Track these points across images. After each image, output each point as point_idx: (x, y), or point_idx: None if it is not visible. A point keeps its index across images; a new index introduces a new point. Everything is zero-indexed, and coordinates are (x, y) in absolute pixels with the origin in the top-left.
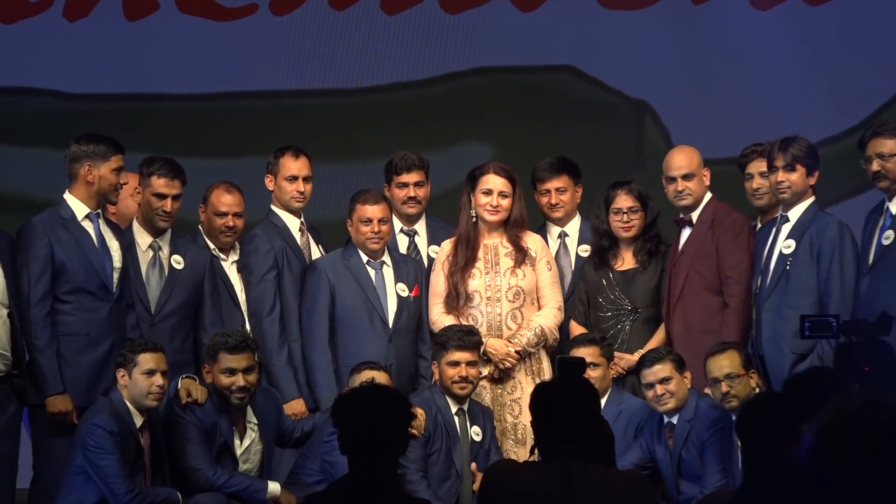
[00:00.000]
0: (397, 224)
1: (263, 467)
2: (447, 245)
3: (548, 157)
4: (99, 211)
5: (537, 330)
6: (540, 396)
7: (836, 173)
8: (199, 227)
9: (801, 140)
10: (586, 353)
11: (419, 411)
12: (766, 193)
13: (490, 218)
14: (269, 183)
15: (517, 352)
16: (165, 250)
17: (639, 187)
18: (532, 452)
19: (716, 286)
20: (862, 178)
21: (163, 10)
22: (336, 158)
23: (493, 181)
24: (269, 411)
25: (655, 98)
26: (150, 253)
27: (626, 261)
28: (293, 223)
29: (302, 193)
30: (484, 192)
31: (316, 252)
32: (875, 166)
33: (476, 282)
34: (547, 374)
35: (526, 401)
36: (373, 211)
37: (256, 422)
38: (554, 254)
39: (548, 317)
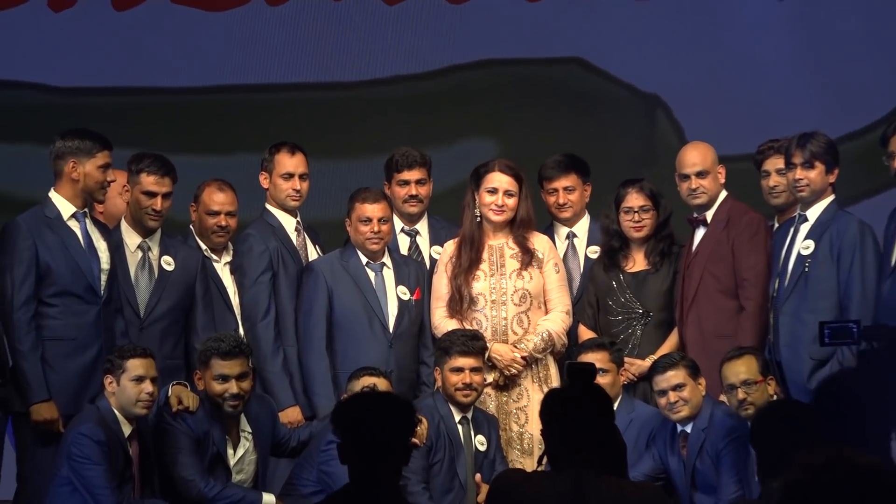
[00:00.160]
0: (398, 224)
1: (258, 478)
2: (450, 246)
3: (555, 153)
4: (86, 210)
5: (544, 335)
6: (551, 404)
7: (856, 170)
8: (191, 226)
9: (820, 136)
10: (595, 358)
11: (422, 420)
12: (783, 192)
13: (495, 218)
14: (264, 180)
15: (523, 358)
16: (155, 251)
17: (651, 185)
18: (540, 462)
19: (731, 289)
20: (884, 176)
21: (152, 0)
22: (334, 155)
23: (499, 179)
24: (263, 420)
25: (668, 92)
26: (139, 254)
27: (637, 262)
28: (289, 223)
29: (298, 192)
30: (489, 191)
31: (313, 253)
32: None
33: (480, 284)
34: (554, 381)
35: (532, 409)
36: (372, 210)
37: (250, 431)
38: (562, 255)
39: (555, 321)
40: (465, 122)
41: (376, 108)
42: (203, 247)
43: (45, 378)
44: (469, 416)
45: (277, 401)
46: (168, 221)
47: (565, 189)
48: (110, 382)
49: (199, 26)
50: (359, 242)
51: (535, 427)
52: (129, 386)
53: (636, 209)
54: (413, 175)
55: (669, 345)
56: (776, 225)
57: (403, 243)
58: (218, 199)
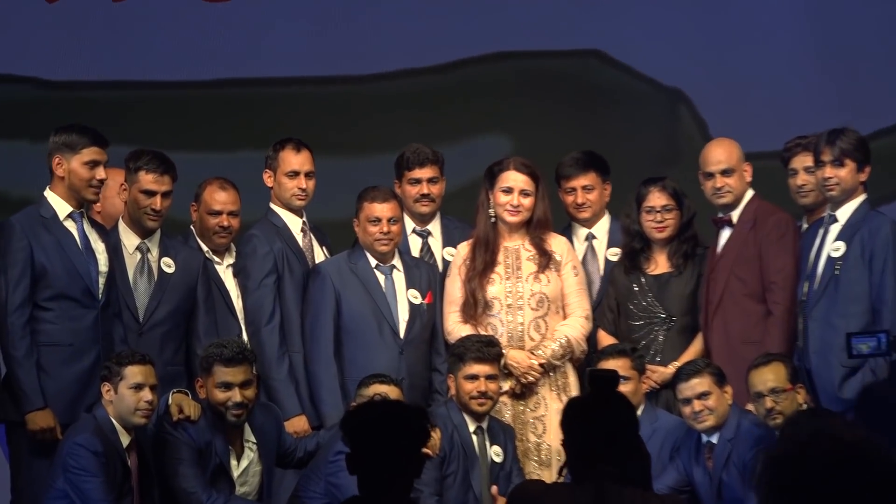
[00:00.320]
0: (409, 224)
1: (263, 490)
2: (464, 248)
3: (573, 151)
4: (82, 210)
5: (563, 341)
6: (572, 413)
7: (888, 168)
8: (191, 227)
9: (850, 132)
10: (616, 365)
11: (435, 429)
12: (812, 191)
13: (510, 219)
14: (268, 179)
15: (541, 365)
16: (154, 252)
17: (673, 184)
18: (560, 473)
19: (758, 292)
20: None
21: None
22: (342, 152)
23: (514, 178)
24: (268, 429)
25: (691, 86)
26: (138, 255)
27: (659, 264)
28: (294, 223)
29: (304, 190)
30: (503, 191)
31: (320, 255)
32: None
33: (495, 288)
34: (573, 389)
35: (550, 418)
36: (382, 210)
37: (255, 441)
38: (581, 257)
39: (574, 326)
40: (478, 117)
41: (385, 103)
42: (204, 248)
43: (41, 385)
44: (484, 425)
45: (283, 409)
46: (168, 222)
47: (584, 188)
48: (108, 390)
49: (200, 17)
50: (367, 244)
51: (552, 437)
52: (128, 394)
53: (658, 209)
54: (425, 173)
55: (693, 351)
56: (805, 226)
57: (415, 245)
58: (220, 198)
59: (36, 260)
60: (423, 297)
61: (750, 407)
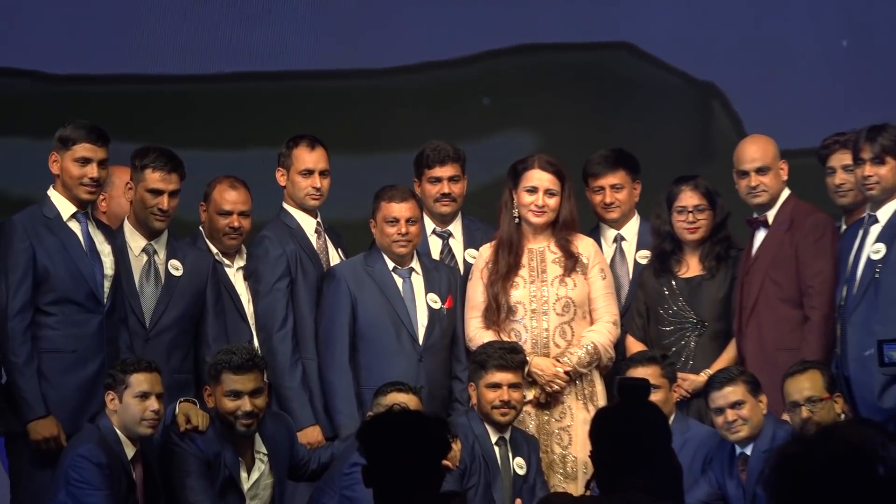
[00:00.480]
0: (429, 225)
1: None
2: (486, 250)
3: (601, 148)
4: (87, 210)
5: (589, 347)
6: (601, 424)
7: None
8: (200, 228)
9: (891, 128)
10: (645, 373)
11: (455, 440)
12: (851, 190)
13: (535, 220)
14: (281, 177)
15: (566, 373)
16: (161, 255)
17: (706, 183)
18: (587, 486)
19: (795, 297)
20: None
21: None
22: (358, 149)
23: (539, 177)
24: (280, 440)
25: (725, 80)
26: (144, 258)
27: (691, 267)
28: (308, 224)
29: (318, 190)
30: (528, 190)
31: (335, 257)
32: None
33: (519, 292)
34: (600, 398)
35: (577, 429)
36: (400, 210)
37: (266, 452)
38: (609, 260)
39: (602, 332)
40: (502, 113)
41: (404, 97)
42: (214, 250)
43: (42, 393)
44: (507, 436)
45: (296, 419)
46: (175, 222)
47: (612, 187)
48: (112, 399)
49: (210, 7)
50: (385, 245)
51: (579, 449)
52: (133, 403)
53: (690, 209)
54: (445, 171)
55: (726, 358)
56: (843, 226)
57: (435, 246)
58: (230, 197)
59: (38, 262)
60: (443, 301)
61: (785, 417)
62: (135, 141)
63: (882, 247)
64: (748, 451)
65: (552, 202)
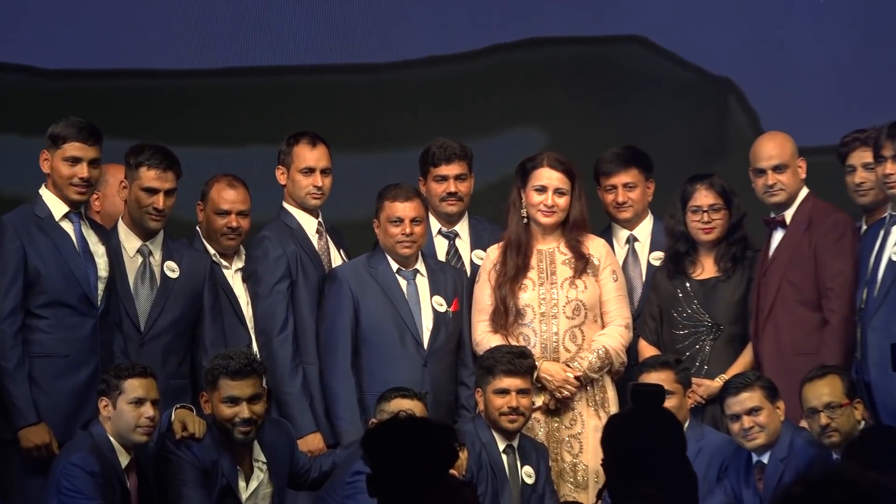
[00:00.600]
0: (434, 225)
1: None
2: (494, 251)
3: (613, 145)
4: (80, 210)
5: (601, 352)
6: (613, 431)
7: None
8: (197, 228)
9: None
10: (659, 378)
11: (462, 448)
12: (871, 189)
13: (544, 220)
14: (281, 176)
15: (577, 378)
16: (157, 256)
17: (721, 181)
18: (599, 496)
19: (813, 299)
20: None
21: None
22: (361, 147)
23: (548, 176)
24: (280, 447)
25: (741, 75)
26: (139, 259)
27: (706, 268)
28: (309, 224)
29: (320, 189)
30: (537, 190)
31: (336, 258)
32: None
33: (528, 295)
34: (612, 404)
35: (588, 437)
36: (404, 209)
37: (265, 460)
38: (621, 261)
39: (613, 336)
40: (510, 109)
41: (409, 93)
42: (211, 251)
43: (34, 399)
44: (515, 444)
45: (296, 426)
46: (172, 222)
47: (625, 186)
48: (105, 405)
49: (207, 1)
50: (388, 246)
51: (590, 457)
52: (127, 409)
53: (705, 208)
54: (452, 170)
55: (743, 363)
56: (864, 227)
57: (441, 247)
58: (228, 196)
59: (29, 263)
60: (449, 304)
61: (803, 424)
62: (131, 138)
63: None
64: (765, 459)
65: (562, 202)
